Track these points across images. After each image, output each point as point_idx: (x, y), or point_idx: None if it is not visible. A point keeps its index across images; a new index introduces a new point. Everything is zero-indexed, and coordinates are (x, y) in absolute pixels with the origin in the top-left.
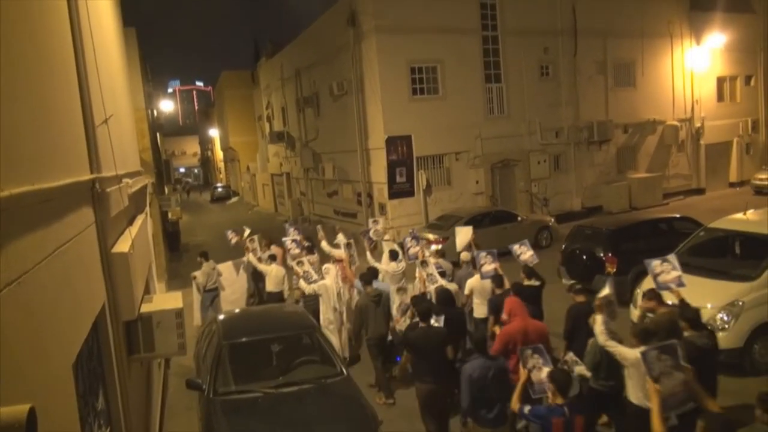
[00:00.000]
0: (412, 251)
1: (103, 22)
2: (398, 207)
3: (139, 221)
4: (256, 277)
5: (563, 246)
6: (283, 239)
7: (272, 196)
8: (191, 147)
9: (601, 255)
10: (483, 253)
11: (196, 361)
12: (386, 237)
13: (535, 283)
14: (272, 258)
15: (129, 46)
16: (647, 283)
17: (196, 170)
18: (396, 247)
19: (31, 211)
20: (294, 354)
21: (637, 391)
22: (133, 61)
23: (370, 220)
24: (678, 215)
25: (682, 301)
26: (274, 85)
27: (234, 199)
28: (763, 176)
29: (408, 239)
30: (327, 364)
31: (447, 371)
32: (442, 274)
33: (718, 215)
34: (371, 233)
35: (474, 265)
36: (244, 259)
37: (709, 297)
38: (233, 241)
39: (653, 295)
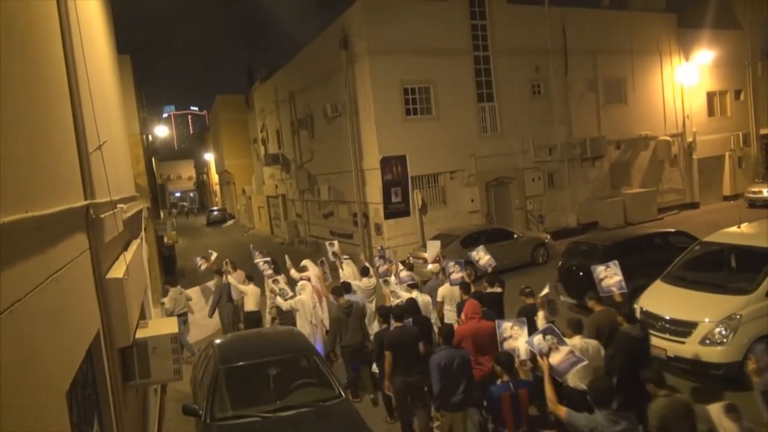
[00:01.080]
0: (381, 269)
1: (97, 49)
2: (394, 227)
3: (134, 246)
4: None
5: (560, 263)
6: (255, 261)
7: (268, 218)
8: (186, 171)
9: None
10: (452, 263)
11: (192, 387)
12: (345, 256)
13: (497, 290)
14: (249, 278)
15: (123, 72)
16: (644, 299)
17: (191, 194)
18: (353, 266)
19: (24, 239)
20: (292, 377)
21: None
22: (128, 87)
23: (327, 243)
24: (673, 230)
25: (620, 301)
26: (268, 108)
27: (230, 222)
28: (757, 189)
29: (377, 258)
30: (325, 387)
31: (421, 365)
32: (414, 286)
33: (713, 229)
34: (330, 255)
35: (445, 273)
36: (210, 284)
37: (707, 311)
38: (202, 267)
39: (594, 295)
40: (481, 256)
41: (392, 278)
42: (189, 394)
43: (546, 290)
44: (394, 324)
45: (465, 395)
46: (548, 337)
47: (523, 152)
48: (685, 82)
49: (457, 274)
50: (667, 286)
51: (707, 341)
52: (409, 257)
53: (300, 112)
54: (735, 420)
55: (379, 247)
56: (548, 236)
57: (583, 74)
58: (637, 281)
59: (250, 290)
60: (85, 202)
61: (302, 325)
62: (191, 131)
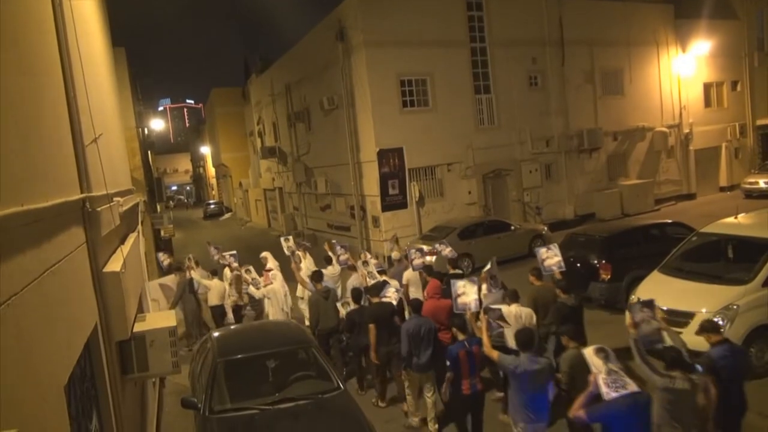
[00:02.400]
0: (342, 258)
1: (92, 42)
2: (392, 219)
3: (131, 240)
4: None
5: None
6: (213, 256)
7: (265, 211)
8: (183, 164)
9: (595, 262)
10: (413, 250)
11: (191, 380)
12: (299, 249)
13: (458, 271)
14: (213, 273)
15: (119, 65)
16: (641, 290)
17: (188, 187)
18: (310, 258)
19: (20, 232)
20: (290, 369)
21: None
22: (123, 80)
23: (282, 238)
24: (670, 221)
25: (560, 278)
26: (264, 101)
27: (227, 216)
28: (753, 180)
29: (338, 248)
30: (324, 379)
31: (398, 335)
32: (382, 272)
33: (710, 220)
34: (285, 250)
35: (407, 259)
36: (167, 280)
37: (704, 301)
38: (216, 257)
39: (536, 272)
40: (443, 248)
41: (371, 260)
42: (188, 387)
43: (488, 266)
44: (373, 299)
45: (431, 358)
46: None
47: (521, 144)
48: (681, 72)
49: (418, 260)
50: (665, 277)
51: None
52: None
53: (296, 105)
54: (603, 359)
55: (334, 240)
56: (545, 228)
57: (580, 65)
58: (634, 272)
59: (214, 285)
60: (82, 196)
61: (274, 313)
62: (187, 124)
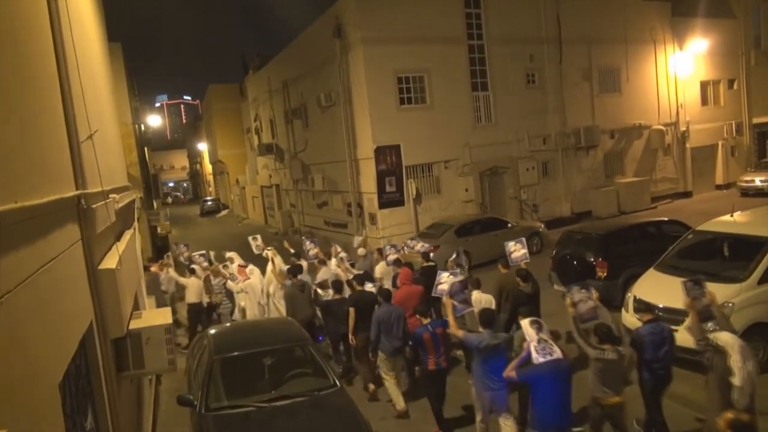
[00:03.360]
0: (312, 252)
1: (88, 37)
2: (388, 216)
3: (126, 237)
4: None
5: (554, 251)
6: (195, 254)
7: (262, 208)
8: (180, 161)
9: (592, 260)
10: (388, 246)
11: (187, 377)
12: (268, 248)
13: (431, 264)
14: (191, 271)
15: (115, 61)
16: (637, 287)
17: (185, 184)
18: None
19: (14, 229)
20: (286, 367)
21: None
22: (119, 76)
23: (250, 238)
24: (666, 218)
25: (524, 269)
26: (261, 98)
27: (224, 212)
28: (749, 178)
29: (308, 242)
30: (320, 377)
31: (406, 343)
32: (352, 265)
33: (706, 218)
34: (254, 249)
35: (381, 254)
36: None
37: None
38: (185, 255)
39: (504, 262)
40: (415, 244)
41: (344, 254)
42: (184, 384)
43: (453, 256)
44: (357, 288)
45: (401, 342)
46: (457, 286)
47: (518, 142)
48: (678, 71)
49: (392, 256)
50: (661, 275)
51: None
52: (404, 247)
53: (293, 102)
54: (536, 329)
55: (304, 235)
56: (542, 225)
57: (578, 63)
58: (630, 270)
59: (191, 282)
60: (77, 192)
61: (251, 307)
62: (184, 121)
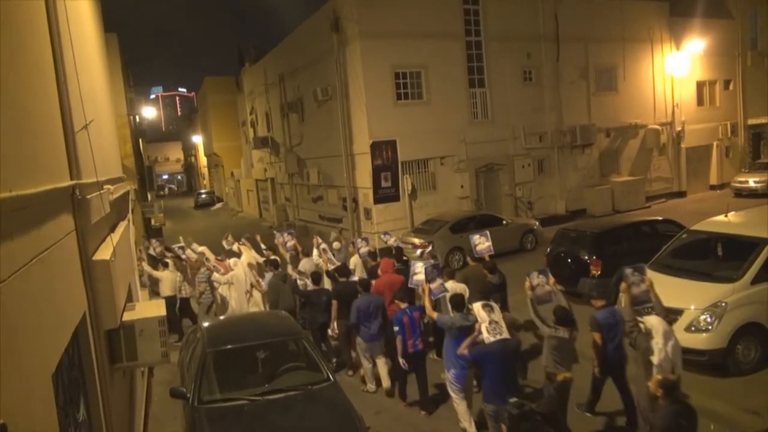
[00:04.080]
0: (289, 244)
1: (83, 27)
2: (383, 212)
3: (121, 228)
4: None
5: (548, 249)
6: (174, 247)
7: (257, 201)
8: (174, 153)
9: (586, 258)
10: (359, 239)
11: (180, 369)
12: (241, 241)
13: (404, 258)
14: (164, 264)
15: (110, 51)
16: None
17: (179, 176)
18: (251, 250)
19: (8, 219)
20: (280, 360)
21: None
22: (115, 66)
23: (224, 240)
24: (661, 218)
25: (489, 260)
26: (257, 91)
27: (218, 206)
28: (743, 179)
29: (285, 234)
30: (313, 371)
31: (385, 331)
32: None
33: (700, 218)
34: (225, 245)
35: (354, 247)
36: None
37: (693, 298)
38: (157, 250)
39: (470, 255)
40: (388, 238)
41: (323, 250)
42: (177, 376)
43: (430, 248)
44: (340, 279)
45: (379, 329)
46: (430, 270)
47: (514, 139)
48: (675, 70)
49: (364, 248)
50: (654, 274)
51: (692, 328)
52: (399, 242)
53: (290, 95)
54: (488, 312)
55: (276, 228)
56: (537, 223)
57: (575, 61)
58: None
59: (165, 276)
60: (71, 183)
61: (237, 297)
62: (179, 113)
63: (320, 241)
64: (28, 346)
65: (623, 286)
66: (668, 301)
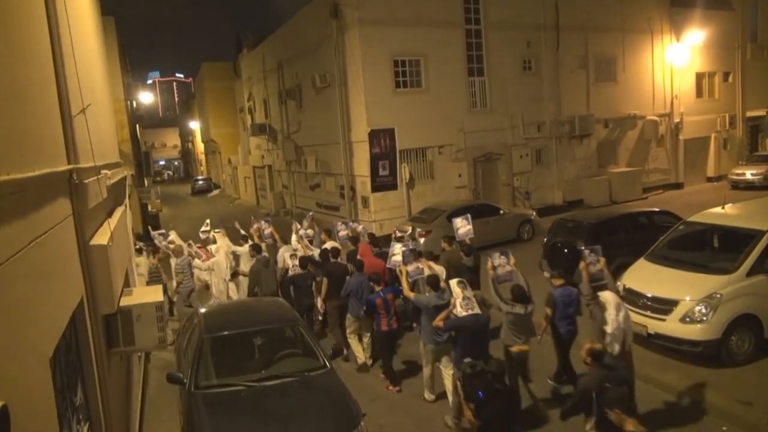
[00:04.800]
0: (266, 232)
1: (80, 10)
2: (381, 200)
3: (118, 213)
4: None
5: (545, 239)
6: (155, 233)
7: (254, 188)
8: (171, 139)
9: (583, 248)
10: (339, 223)
11: (176, 355)
12: (217, 230)
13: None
14: (138, 251)
15: (107, 35)
16: (627, 276)
17: (176, 162)
18: (225, 238)
19: (5, 202)
20: (277, 347)
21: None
22: (112, 50)
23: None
24: (657, 209)
25: (468, 244)
26: (255, 77)
27: (215, 192)
28: (740, 171)
29: (262, 222)
30: (310, 357)
31: (348, 290)
32: (311, 242)
33: (697, 209)
34: (200, 234)
35: (328, 234)
36: None
37: (688, 290)
38: (202, 235)
39: (448, 239)
40: (357, 226)
41: (301, 231)
42: (173, 362)
43: (409, 231)
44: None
45: (367, 308)
46: (407, 254)
47: (512, 128)
48: (675, 61)
49: (343, 232)
50: (651, 265)
51: (687, 319)
52: (396, 231)
53: (288, 82)
54: (462, 288)
55: (252, 216)
56: (534, 213)
57: (575, 51)
58: (620, 259)
59: (139, 262)
60: (69, 167)
61: (217, 283)
62: (176, 98)
63: (299, 227)
64: (26, 329)
65: (582, 264)
66: (663, 292)
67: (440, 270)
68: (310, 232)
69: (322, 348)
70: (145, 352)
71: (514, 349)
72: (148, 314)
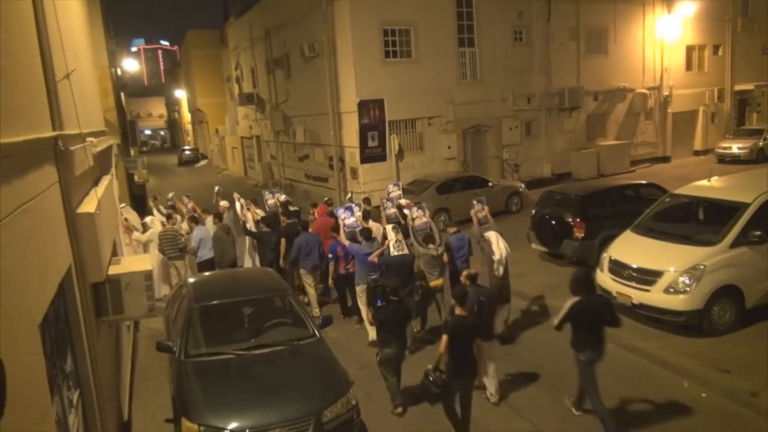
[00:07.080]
0: (189, 206)
1: None
2: (370, 171)
3: (104, 182)
4: None
5: (533, 211)
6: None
7: (242, 159)
8: (157, 108)
9: (570, 220)
10: (267, 192)
11: (166, 324)
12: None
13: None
14: (168, 217)
15: None
16: (613, 248)
17: (162, 132)
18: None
19: None
20: (266, 316)
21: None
22: (95, 15)
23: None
24: (644, 182)
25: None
26: (243, 46)
27: (202, 163)
28: (726, 145)
29: (185, 198)
30: (299, 326)
31: (323, 261)
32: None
33: (683, 182)
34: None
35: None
36: None
37: (673, 261)
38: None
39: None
40: (279, 196)
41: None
42: (162, 331)
43: (349, 196)
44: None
45: (318, 261)
46: (344, 211)
47: (502, 100)
48: (665, 34)
49: (271, 200)
50: (637, 236)
51: (671, 290)
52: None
53: (276, 51)
54: (395, 232)
55: (217, 188)
56: (522, 185)
57: (566, 22)
58: (607, 231)
59: (155, 226)
60: (54, 133)
61: (156, 255)
62: (162, 67)
63: (239, 195)
64: (15, 295)
65: (472, 211)
66: (648, 263)
67: (376, 226)
68: (274, 201)
69: (312, 317)
70: (134, 321)
71: (432, 283)
72: (137, 283)
